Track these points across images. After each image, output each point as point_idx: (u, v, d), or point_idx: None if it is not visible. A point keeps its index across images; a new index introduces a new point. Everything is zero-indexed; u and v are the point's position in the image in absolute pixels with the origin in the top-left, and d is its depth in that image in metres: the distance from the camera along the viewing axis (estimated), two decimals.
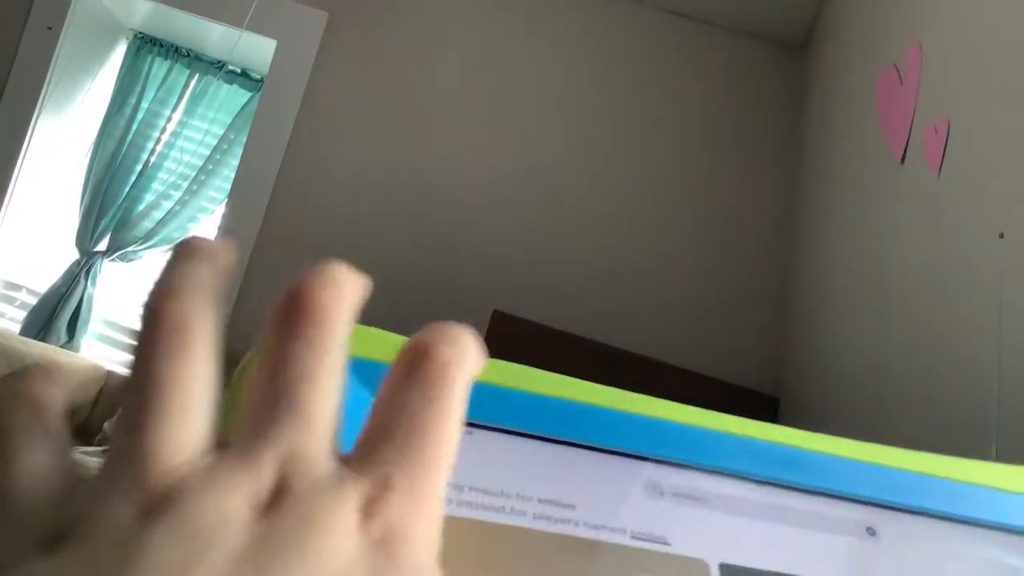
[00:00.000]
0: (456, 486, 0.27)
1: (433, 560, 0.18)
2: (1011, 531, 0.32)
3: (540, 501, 0.28)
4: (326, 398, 0.19)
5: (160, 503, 0.16)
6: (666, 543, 0.28)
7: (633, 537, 0.28)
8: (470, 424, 0.29)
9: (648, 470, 0.30)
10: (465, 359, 0.21)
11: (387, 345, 0.29)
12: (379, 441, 0.19)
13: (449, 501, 0.26)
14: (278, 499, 0.17)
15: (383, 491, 0.17)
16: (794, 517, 0.31)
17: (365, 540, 0.17)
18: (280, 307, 0.20)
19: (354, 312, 0.21)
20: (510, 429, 0.29)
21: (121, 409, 0.19)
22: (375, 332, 0.29)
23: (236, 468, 0.17)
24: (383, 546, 0.17)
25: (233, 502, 0.16)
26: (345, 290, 0.20)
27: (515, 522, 0.27)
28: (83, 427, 2.11)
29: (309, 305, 0.19)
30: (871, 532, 0.31)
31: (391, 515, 0.17)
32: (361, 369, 0.28)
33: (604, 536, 0.28)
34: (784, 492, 0.32)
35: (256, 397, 0.19)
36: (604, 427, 0.30)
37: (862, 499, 0.32)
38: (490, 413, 0.29)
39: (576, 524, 0.27)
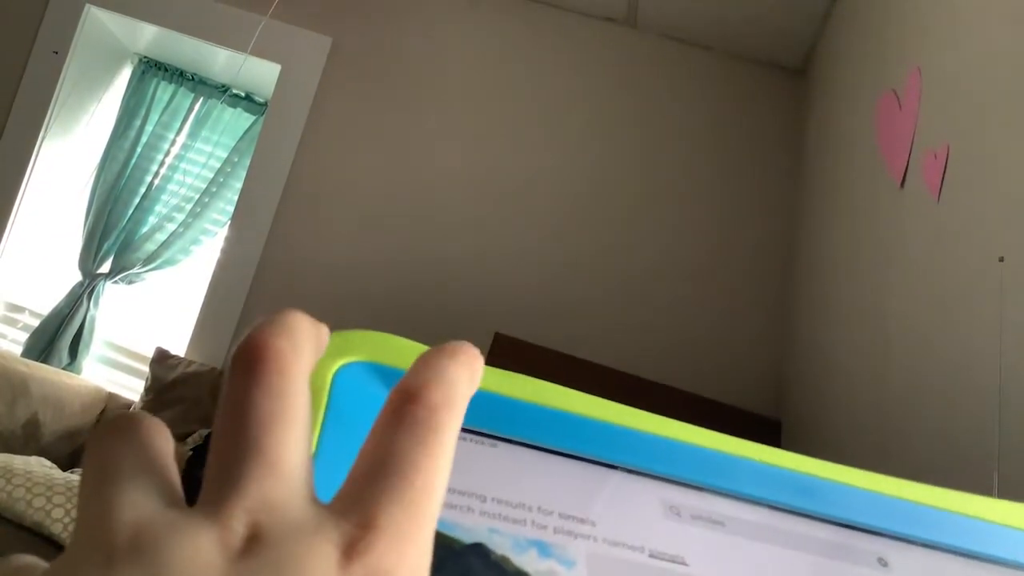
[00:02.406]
0: (479, 496, 0.27)
1: None
2: (1019, 568, 0.32)
3: (561, 516, 0.28)
4: (292, 444, 0.18)
5: (126, 554, 0.16)
6: (684, 563, 0.28)
7: (651, 556, 0.28)
8: (496, 437, 0.29)
9: (668, 491, 0.30)
10: (455, 401, 0.20)
11: (408, 353, 0.29)
12: (364, 483, 0.18)
13: (471, 510, 0.27)
14: (252, 545, 0.16)
15: (365, 532, 0.17)
16: (809, 544, 0.31)
17: None
18: (238, 357, 0.19)
19: (313, 360, 0.21)
20: (535, 444, 0.30)
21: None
22: (396, 340, 0.29)
23: (205, 517, 0.17)
24: None
25: (203, 549, 0.16)
26: (302, 338, 0.20)
27: (536, 535, 0.27)
28: (83, 450, 2.10)
29: (266, 353, 0.19)
30: (883, 563, 0.31)
31: (373, 556, 0.17)
32: (387, 376, 0.28)
33: (622, 553, 0.28)
34: (800, 519, 0.32)
35: (221, 447, 0.18)
36: (628, 447, 0.31)
37: (875, 530, 0.32)
38: (516, 427, 0.30)
39: (595, 540, 0.28)
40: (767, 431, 1.84)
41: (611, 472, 0.30)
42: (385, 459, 0.19)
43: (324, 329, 0.22)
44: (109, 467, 0.18)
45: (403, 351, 0.29)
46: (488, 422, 0.29)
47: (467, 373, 0.21)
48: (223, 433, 0.19)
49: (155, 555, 0.16)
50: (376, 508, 0.17)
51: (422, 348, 0.30)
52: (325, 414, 0.26)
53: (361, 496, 0.18)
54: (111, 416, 0.19)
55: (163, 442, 0.19)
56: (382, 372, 0.28)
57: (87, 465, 0.19)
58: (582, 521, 0.28)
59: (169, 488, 0.18)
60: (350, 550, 0.17)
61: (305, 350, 0.20)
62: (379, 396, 0.28)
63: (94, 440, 0.19)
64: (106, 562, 0.16)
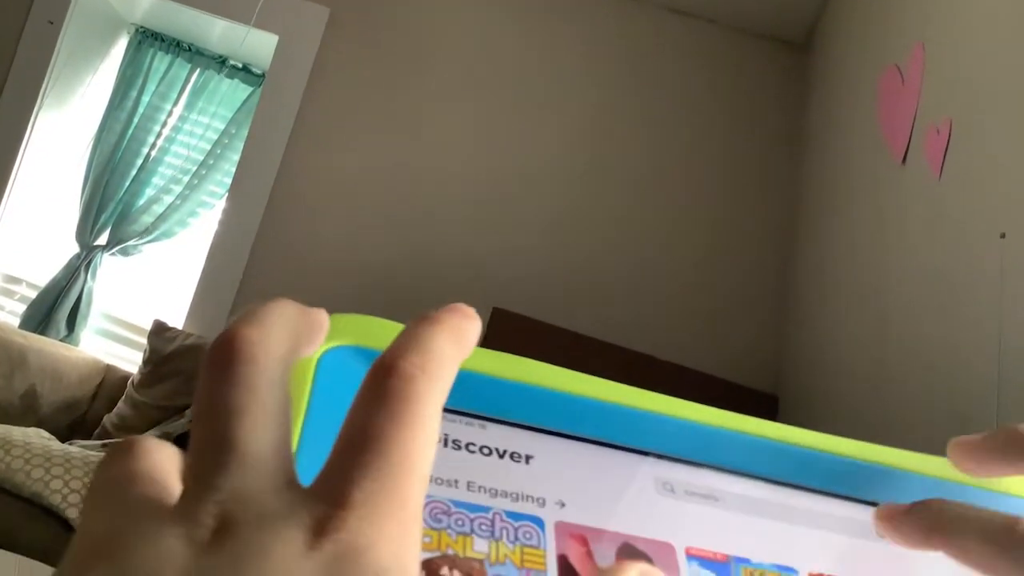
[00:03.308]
0: (470, 480, 0.27)
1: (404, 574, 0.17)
2: None
3: (550, 494, 0.28)
4: (263, 433, 0.18)
5: (96, 557, 0.16)
6: (676, 539, 0.28)
7: (644, 532, 0.28)
8: (484, 418, 0.29)
9: (660, 467, 0.30)
10: (433, 368, 0.19)
11: (395, 335, 0.29)
12: (338, 462, 0.18)
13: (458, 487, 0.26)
14: (219, 537, 0.16)
15: (337, 510, 0.17)
16: (805, 517, 0.31)
17: (317, 561, 0.16)
18: (207, 351, 0.19)
19: (292, 345, 0.20)
20: (524, 424, 0.30)
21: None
22: (383, 322, 0.29)
23: (174, 516, 0.17)
24: (338, 565, 0.16)
25: (169, 545, 0.16)
26: (273, 324, 0.20)
27: (531, 511, 0.27)
28: (81, 421, 2.11)
29: (233, 343, 0.19)
30: (881, 534, 0.31)
31: (346, 533, 0.16)
32: (371, 360, 0.28)
33: (613, 531, 0.28)
34: (796, 492, 0.32)
35: (193, 444, 0.18)
36: (618, 424, 0.30)
37: (872, 501, 0.32)
38: (504, 408, 0.29)
39: (588, 518, 0.28)
40: (765, 407, 1.84)
41: (602, 450, 0.30)
42: (359, 436, 0.18)
43: (314, 313, 0.22)
44: (98, 486, 0.18)
45: (391, 334, 0.29)
46: (477, 403, 0.29)
47: (451, 337, 0.21)
48: (195, 429, 0.19)
49: (122, 555, 0.16)
50: (349, 486, 0.17)
51: None
52: (309, 400, 0.26)
53: (335, 476, 0.17)
54: (114, 444, 0.20)
55: (157, 455, 0.19)
56: (370, 356, 0.28)
57: (91, 482, 0.19)
58: (573, 500, 0.28)
59: (156, 496, 0.18)
60: (319, 529, 0.16)
61: (278, 336, 0.20)
62: None
63: (96, 468, 0.19)
64: (80, 566, 0.16)
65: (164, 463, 0.19)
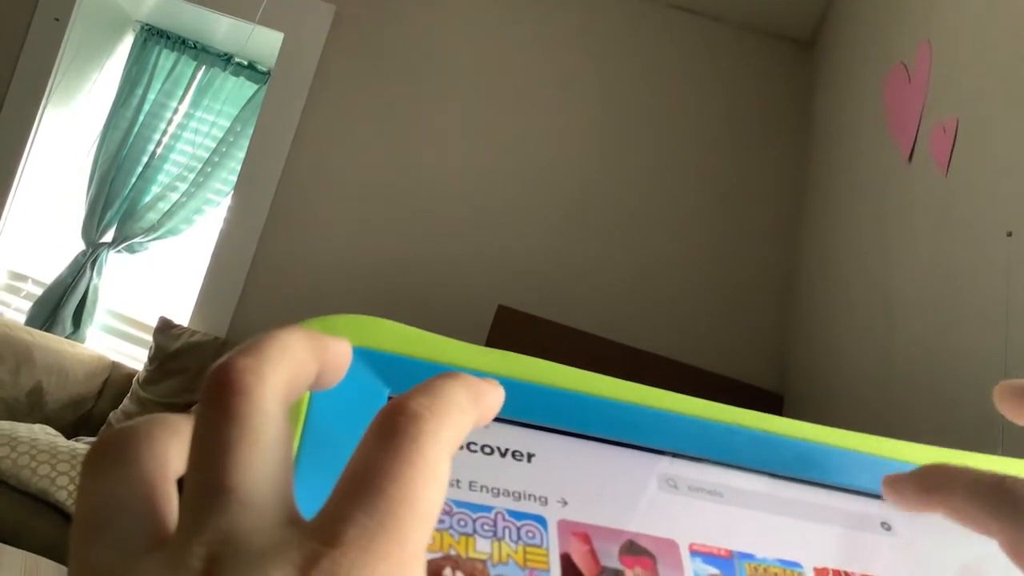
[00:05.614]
0: (471, 479, 0.27)
1: None
2: None
3: (552, 492, 0.28)
4: (257, 468, 0.18)
5: None
6: (680, 536, 0.28)
7: (647, 531, 0.28)
8: None
9: (664, 464, 0.30)
10: (442, 411, 0.19)
11: (398, 336, 0.29)
12: (338, 498, 0.18)
13: (459, 489, 0.26)
14: None
15: (328, 548, 0.16)
16: (810, 512, 0.31)
17: None
18: (202, 384, 0.19)
19: (294, 374, 0.20)
20: (526, 422, 0.29)
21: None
22: (382, 322, 0.29)
23: (164, 560, 0.17)
24: None
25: None
26: (273, 353, 0.19)
27: (533, 509, 0.27)
28: (87, 418, 2.12)
29: (227, 376, 0.18)
30: (886, 527, 0.31)
31: (334, 573, 0.16)
32: (374, 360, 0.28)
33: (618, 528, 0.27)
34: (800, 486, 0.32)
35: (187, 480, 0.18)
36: (621, 420, 0.30)
37: (877, 494, 0.32)
38: (506, 406, 0.29)
39: (591, 516, 0.27)
40: (769, 405, 1.84)
41: (604, 447, 0.30)
42: (360, 472, 0.18)
43: (331, 343, 0.21)
44: (92, 513, 0.18)
45: (389, 334, 0.29)
46: None
47: (467, 392, 0.21)
48: (189, 463, 0.18)
49: None
50: (344, 523, 0.17)
51: (410, 330, 0.29)
52: (308, 405, 0.25)
53: (331, 512, 0.17)
54: (107, 435, 0.19)
55: (156, 464, 0.19)
56: (369, 356, 0.28)
57: (80, 497, 0.19)
58: (575, 498, 0.28)
59: (145, 530, 0.18)
60: (308, 567, 0.16)
61: (276, 365, 0.19)
62: (365, 381, 0.27)
63: (88, 465, 0.19)
64: None
65: (156, 475, 0.19)
